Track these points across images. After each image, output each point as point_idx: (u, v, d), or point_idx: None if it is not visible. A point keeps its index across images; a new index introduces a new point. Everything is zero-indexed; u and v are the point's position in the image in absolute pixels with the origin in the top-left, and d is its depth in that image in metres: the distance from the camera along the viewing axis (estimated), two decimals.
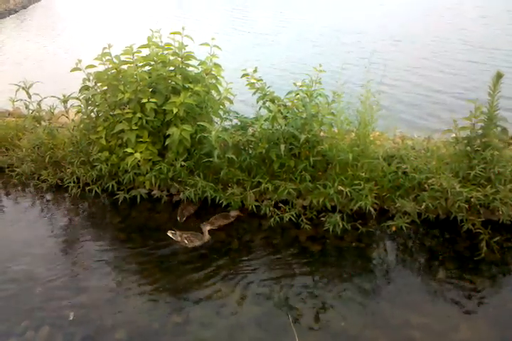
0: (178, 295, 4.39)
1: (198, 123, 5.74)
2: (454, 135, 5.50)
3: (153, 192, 5.98)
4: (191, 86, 5.91)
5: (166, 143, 5.74)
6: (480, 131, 5.30)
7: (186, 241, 5.08)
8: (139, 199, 5.87)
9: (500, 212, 4.90)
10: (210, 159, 5.55)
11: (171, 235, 5.13)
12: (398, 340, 3.84)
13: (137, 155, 5.64)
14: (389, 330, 3.92)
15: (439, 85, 11.23)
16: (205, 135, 5.55)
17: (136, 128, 5.75)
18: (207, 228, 5.19)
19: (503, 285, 4.37)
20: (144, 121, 5.78)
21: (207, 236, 5.15)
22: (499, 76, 5.21)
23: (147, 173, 5.82)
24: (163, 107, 5.80)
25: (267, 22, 22.63)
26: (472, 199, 4.84)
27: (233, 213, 5.49)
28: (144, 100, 5.72)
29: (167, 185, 5.98)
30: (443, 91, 10.77)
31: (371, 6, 26.30)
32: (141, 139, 5.81)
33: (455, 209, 4.98)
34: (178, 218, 5.58)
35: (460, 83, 11.18)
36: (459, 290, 4.32)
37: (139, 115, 5.76)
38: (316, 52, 15.20)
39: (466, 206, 4.87)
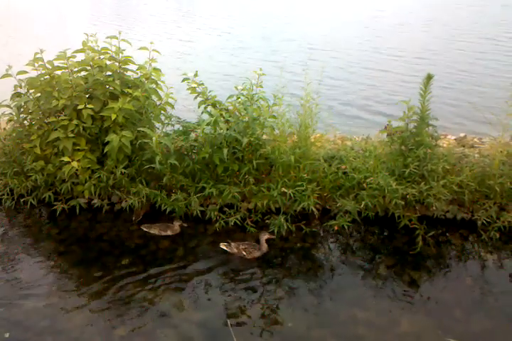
0: (122, 306, 4.27)
1: (138, 129, 5.63)
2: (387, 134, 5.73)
3: (93, 202, 5.80)
4: (130, 91, 5.78)
5: (105, 150, 5.59)
6: (413, 131, 5.54)
7: (244, 253, 4.89)
8: (78, 210, 5.67)
9: (434, 208, 5.16)
10: (152, 165, 5.45)
11: (224, 247, 4.95)
12: (344, 337, 3.93)
13: (74, 163, 5.45)
14: (335, 328, 4.00)
15: (375, 87, 11.64)
16: (146, 141, 5.46)
17: (72, 135, 5.55)
18: (265, 237, 4.98)
19: (440, 278, 4.58)
20: (81, 128, 5.60)
21: (265, 246, 4.95)
22: (429, 77, 5.47)
23: (86, 182, 5.64)
24: (101, 113, 5.64)
25: (212, 27, 22.56)
26: (408, 196, 5.06)
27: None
28: (81, 106, 5.54)
29: (108, 194, 5.82)
30: (378, 93, 11.18)
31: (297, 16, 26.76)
32: (78, 147, 5.62)
33: (392, 207, 5.19)
34: (133, 218, 5.51)
35: (393, 85, 11.63)
36: (399, 285, 4.48)
37: (75, 122, 5.57)
38: (254, 57, 15.35)
39: (403, 203, 5.08)
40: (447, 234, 5.17)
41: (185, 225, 5.35)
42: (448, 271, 4.65)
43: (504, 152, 5.64)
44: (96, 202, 5.77)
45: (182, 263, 4.82)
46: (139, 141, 5.53)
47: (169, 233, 5.28)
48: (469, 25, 18.88)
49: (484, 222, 5.07)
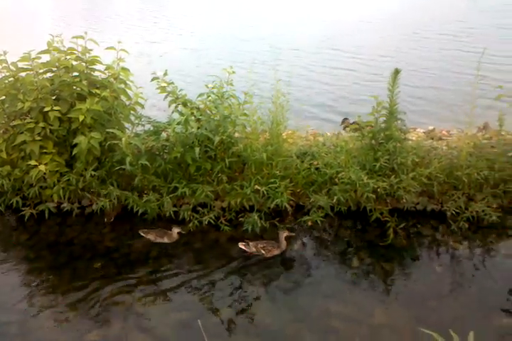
0: (95, 311, 4.20)
1: (107, 130, 5.54)
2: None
3: (62, 206, 5.70)
4: (98, 91, 5.69)
5: (74, 152, 5.49)
6: (383, 125, 5.61)
7: (263, 252, 4.83)
8: (47, 214, 5.55)
9: (405, 200, 5.24)
10: (123, 167, 5.38)
11: (243, 247, 4.88)
12: (320, 330, 3.95)
13: (42, 167, 5.33)
14: (311, 322, 4.02)
15: (344, 83, 11.74)
16: (116, 142, 5.38)
17: (39, 138, 5.44)
18: (284, 234, 4.90)
19: (411, 269, 4.65)
20: (48, 130, 5.49)
21: (284, 244, 4.89)
22: (396, 72, 5.54)
23: (54, 186, 5.52)
24: (69, 115, 5.54)
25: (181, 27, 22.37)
26: (379, 190, 5.12)
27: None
28: (47, 108, 5.42)
29: (78, 197, 5.72)
30: (349, 89, 11.27)
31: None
32: (45, 150, 5.51)
33: (364, 200, 5.25)
34: (105, 220, 5.43)
35: (363, 81, 11.75)
36: (373, 277, 4.54)
37: (41, 125, 5.45)
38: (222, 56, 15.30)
39: (374, 196, 5.14)
40: (418, 226, 5.25)
41: (183, 232, 5.17)
42: (419, 262, 4.72)
43: (471, 144, 5.77)
44: (66, 205, 5.67)
45: (156, 265, 4.78)
46: (109, 142, 5.44)
47: (166, 240, 5.10)
48: (433, 22, 19.16)
49: (453, 212, 5.17)
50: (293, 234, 5.01)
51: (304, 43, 15.79)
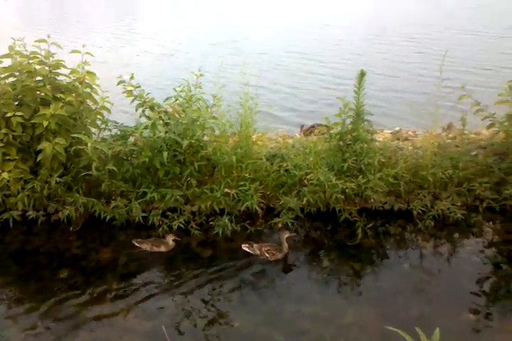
0: (62, 321, 4.10)
1: (73, 135, 5.43)
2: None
3: (28, 213, 5.54)
4: (63, 96, 5.59)
5: (38, 159, 5.36)
6: (350, 126, 5.68)
7: (267, 255, 4.72)
8: (11, 223, 5.40)
9: (372, 200, 5.32)
10: (89, 172, 5.28)
11: (246, 249, 4.77)
12: (291, 332, 3.95)
13: (5, 174, 5.20)
14: (282, 324, 4.02)
15: (311, 87, 11.86)
16: (81, 147, 5.28)
17: (1, 145, 5.29)
18: (285, 236, 4.79)
19: (380, 267, 4.72)
20: (11, 136, 5.35)
21: (286, 246, 4.79)
22: (362, 74, 5.63)
23: (19, 193, 5.38)
24: (32, 121, 5.41)
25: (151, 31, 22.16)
26: (347, 190, 5.19)
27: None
28: (9, 114, 5.29)
29: (43, 205, 5.58)
30: (316, 91, 11.40)
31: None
32: (8, 157, 5.36)
33: (333, 201, 5.30)
34: (71, 228, 5.31)
35: (330, 84, 11.88)
36: (343, 277, 4.59)
37: (4, 131, 5.31)
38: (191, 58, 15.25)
39: (343, 197, 5.21)
40: (386, 225, 5.34)
41: (178, 239, 5.05)
42: (388, 260, 4.80)
43: (435, 143, 5.90)
44: (31, 213, 5.52)
45: (124, 272, 4.70)
46: (74, 148, 5.34)
47: (163, 249, 4.98)
48: (394, 26, 19.53)
49: (419, 211, 5.28)
50: (294, 234, 4.96)
51: (271, 47, 15.85)
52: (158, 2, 32.79)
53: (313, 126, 7.63)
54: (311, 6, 29.04)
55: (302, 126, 7.89)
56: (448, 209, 5.23)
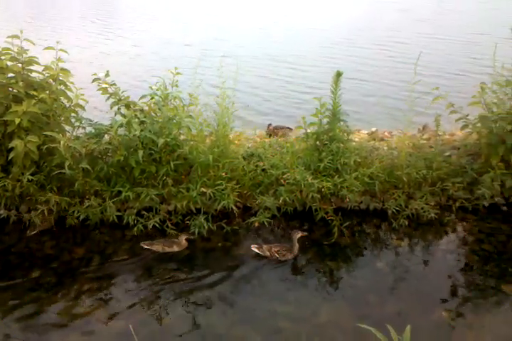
0: (33, 322, 4.01)
1: (45, 133, 5.32)
2: (304, 131, 5.87)
3: None
4: (36, 93, 5.46)
5: (10, 156, 5.22)
6: (326, 126, 5.71)
7: (278, 255, 4.65)
8: None
9: (348, 199, 5.36)
10: (62, 171, 5.17)
11: (256, 250, 4.70)
12: (266, 331, 3.95)
13: None
14: (257, 323, 4.02)
15: (289, 87, 11.89)
16: (55, 145, 5.17)
17: None
18: (297, 236, 4.72)
19: (356, 266, 4.75)
20: None
21: (297, 247, 4.73)
22: (338, 75, 5.67)
23: None
24: (4, 118, 5.27)
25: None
26: (323, 190, 5.21)
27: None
28: None
29: (15, 203, 5.45)
30: (293, 91, 11.43)
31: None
32: None
33: (309, 200, 5.32)
34: (28, 231, 5.18)
35: (305, 86, 11.93)
36: (318, 275, 4.60)
37: None
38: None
39: (319, 196, 5.23)
40: (361, 224, 5.39)
41: (192, 237, 4.99)
42: (363, 259, 4.84)
43: (410, 144, 5.99)
44: (2, 212, 5.39)
45: (98, 272, 4.62)
46: (46, 146, 5.23)
47: (176, 249, 4.90)
48: (361, 30, 19.70)
49: (394, 210, 5.35)
50: (306, 234, 4.92)
51: (248, 49, 15.79)
52: (140, 3, 32.44)
53: (276, 128, 7.64)
54: (288, 10, 29.14)
55: (269, 125, 7.87)
56: (422, 208, 5.31)
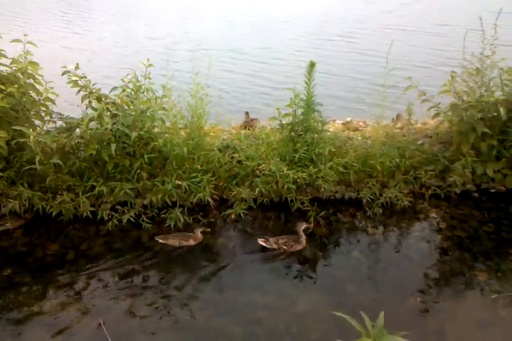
0: (6, 319, 3.96)
1: (14, 127, 5.18)
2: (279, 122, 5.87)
3: None
4: (3, 87, 5.32)
5: None
6: (301, 117, 5.72)
7: (285, 247, 4.61)
8: None
9: (323, 189, 5.39)
10: (33, 166, 5.05)
11: (263, 243, 4.67)
12: (245, 322, 3.97)
13: None
14: (236, 314, 4.03)
15: (262, 78, 11.84)
16: (24, 140, 5.04)
17: None
18: (302, 227, 4.69)
19: (332, 255, 4.79)
20: None
21: (304, 237, 4.70)
22: (312, 65, 5.67)
23: None
24: None
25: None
26: (299, 180, 5.23)
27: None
28: None
29: None
30: (267, 83, 11.39)
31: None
32: None
33: (285, 191, 5.34)
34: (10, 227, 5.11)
35: (280, 76, 11.89)
36: (295, 266, 4.63)
37: None
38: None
39: (294, 187, 5.24)
40: (337, 214, 5.43)
41: (208, 230, 4.98)
42: (339, 248, 4.88)
43: (384, 133, 6.04)
44: None
45: (73, 268, 4.57)
46: (16, 141, 5.09)
47: (192, 243, 4.87)
48: (330, 22, 19.68)
49: (369, 199, 5.41)
50: (311, 225, 4.94)
51: (214, 43, 15.55)
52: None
53: (252, 120, 7.56)
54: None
55: (246, 113, 7.77)
56: (395, 196, 5.39)
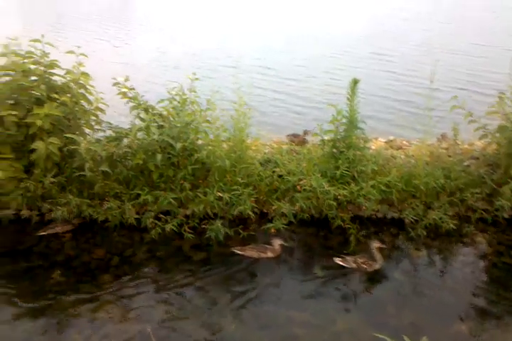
0: (53, 320, 4.09)
1: (65, 135, 5.41)
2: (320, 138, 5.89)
3: (21, 213, 5.50)
4: (57, 96, 5.57)
5: (32, 158, 5.32)
6: (343, 134, 5.72)
7: (365, 266, 4.62)
8: (5, 222, 5.39)
9: (365, 208, 5.35)
10: (82, 173, 5.26)
11: (341, 263, 4.68)
12: (282, 338, 3.96)
13: None
14: (274, 329, 4.03)
15: (306, 93, 11.91)
16: (75, 147, 5.26)
17: None
18: (376, 246, 4.72)
19: (372, 275, 4.70)
20: (5, 135, 5.31)
21: (379, 256, 4.71)
22: (355, 82, 5.69)
23: (13, 192, 5.34)
24: (26, 120, 5.37)
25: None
26: (339, 197, 5.21)
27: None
28: (4, 113, 5.26)
29: (37, 204, 5.53)
30: (311, 98, 11.45)
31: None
32: (2, 155, 5.32)
33: (326, 208, 5.32)
34: (42, 232, 5.26)
35: (324, 92, 11.93)
36: (335, 284, 4.58)
37: None
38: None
39: (335, 204, 5.23)
40: (379, 233, 5.37)
41: (286, 244, 4.97)
42: (380, 268, 4.81)
43: (428, 153, 5.95)
44: (25, 213, 5.48)
45: (116, 273, 4.68)
46: (67, 148, 5.32)
47: (270, 255, 4.89)
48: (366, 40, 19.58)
49: (412, 220, 5.33)
50: (385, 246, 4.87)
51: (249, 59, 15.70)
52: (158, 8, 32.69)
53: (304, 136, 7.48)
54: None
55: (305, 131, 7.69)
56: (440, 218, 5.27)
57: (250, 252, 4.93)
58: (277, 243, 4.95)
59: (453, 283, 4.58)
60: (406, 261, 4.91)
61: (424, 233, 5.21)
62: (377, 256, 4.76)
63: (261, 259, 4.92)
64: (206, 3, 34.17)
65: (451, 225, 5.22)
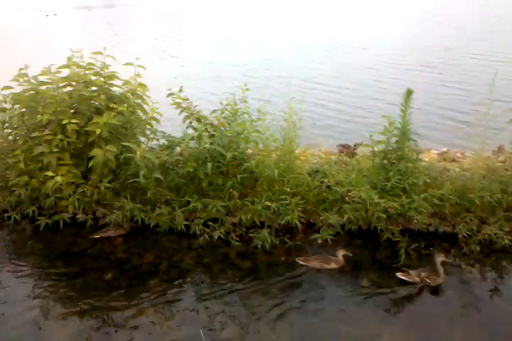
0: (105, 321, 4.24)
1: (122, 143, 5.65)
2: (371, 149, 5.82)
3: (77, 216, 5.77)
4: (115, 106, 5.83)
5: (90, 164, 5.60)
6: (395, 145, 5.63)
7: (429, 281, 4.57)
8: (62, 225, 5.65)
9: (416, 221, 5.21)
10: (137, 179, 5.46)
11: (403, 277, 4.61)
12: None
13: (58, 178, 5.45)
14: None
15: (356, 102, 11.83)
16: (131, 155, 5.49)
17: (56, 150, 5.57)
18: (440, 260, 4.64)
19: (423, 291, 4.57)
20: (66, 142, 5.63)
21: (442, 270, 4.60)
22: (409, 93, 5.60)
23: (70, 197, 5.63)
24: (86, 128, 5.67)
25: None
26: (389, 210, 5.11)
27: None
28: (65, 121, 5.57)
29: (92, 209, 5.80)
30: (361, 107, 11.35)
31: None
32: (62, 162, 5.63)
33: (375, 220, 5.24)
34: (96, 235, 5.49)
35: (376, 102, 11.80)
36: (383, 298, 4.48)
37: (59, 137, 5.59)
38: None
39: (385, 216, 5.13)
40: (430, 248, 5.21)
41: (350, 255, 4.93)
42: (430, 284, 4.67)
43: (484, 166, 5.74)
44: (80, 216, 5.75)
45: (165, 277, 4.81)
46: (123, 156, 5.55)
47: (333, 266, 4.87)
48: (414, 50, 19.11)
49: (465, 235, 5.14)
50: (449, 260, 4.76)
51: (289, 70, 15.74)
52: (209, 19, 33.67)
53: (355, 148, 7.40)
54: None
55: (356, 144, 7.62)
56: (495, 234, 5.06)
57: (313, 263, 4.89)
58: (341, 254, 4.89)
59: (506, 302, 4.36)
60: (457, 277, 4.73)
61: (478, 249, 5.01)
62: (441, 270, 4.59)
63: (309, 270, 4.89)
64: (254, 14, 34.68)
65: (507, 241, 5.00)
